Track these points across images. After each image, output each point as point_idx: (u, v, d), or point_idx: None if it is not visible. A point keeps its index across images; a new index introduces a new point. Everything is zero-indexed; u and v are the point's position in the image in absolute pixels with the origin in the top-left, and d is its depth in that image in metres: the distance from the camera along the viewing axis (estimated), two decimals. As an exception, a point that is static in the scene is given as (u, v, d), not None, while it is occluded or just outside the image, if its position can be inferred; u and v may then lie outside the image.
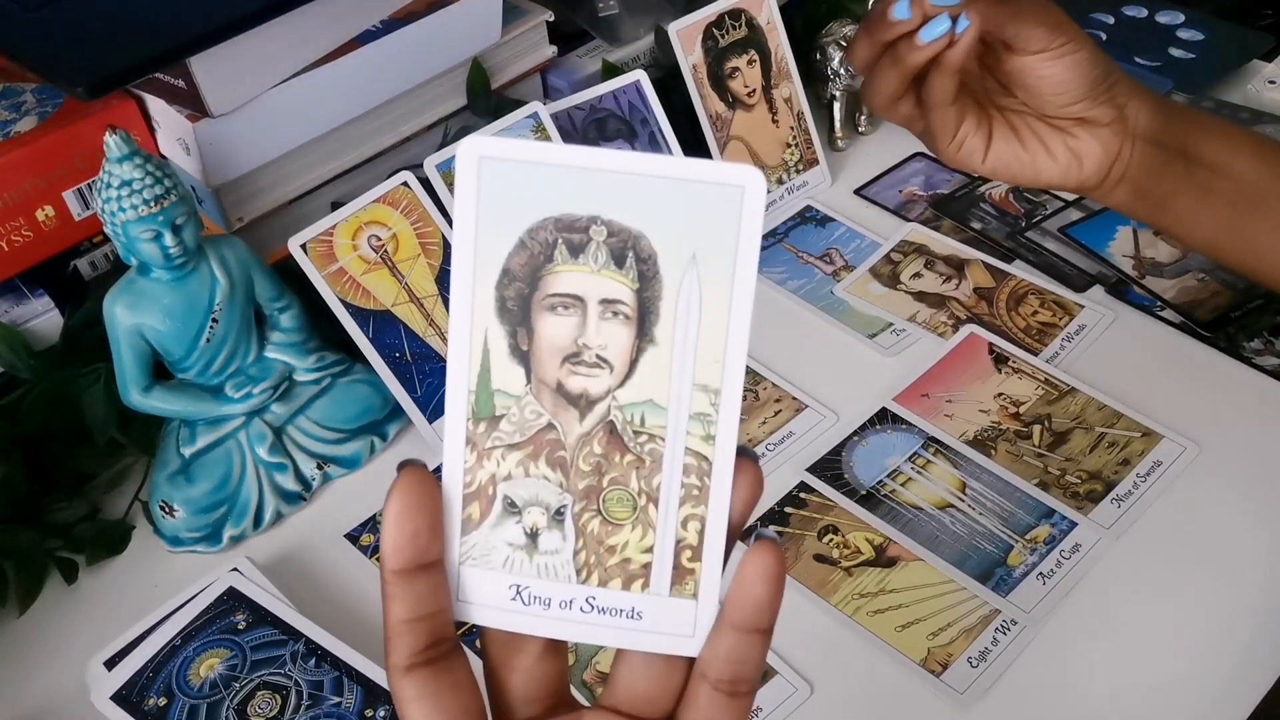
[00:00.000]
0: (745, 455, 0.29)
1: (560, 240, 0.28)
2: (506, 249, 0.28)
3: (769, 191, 0.85)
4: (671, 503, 0.29)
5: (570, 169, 0.27)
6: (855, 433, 0.69)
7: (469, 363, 0.29)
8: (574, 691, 0.33)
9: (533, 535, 0.29)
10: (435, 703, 0.29)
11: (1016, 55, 0.56)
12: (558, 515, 0.29)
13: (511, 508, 0.29)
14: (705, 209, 0.27)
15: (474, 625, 0.30)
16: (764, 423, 0.70)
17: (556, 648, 0.31)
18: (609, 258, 0.28)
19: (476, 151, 0.28)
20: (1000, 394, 0.71)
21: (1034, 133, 0.59)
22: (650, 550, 0.29)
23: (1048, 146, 0.59)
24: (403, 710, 0.29)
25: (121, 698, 0.55)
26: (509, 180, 0.28)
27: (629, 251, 0.28)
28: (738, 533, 0.29)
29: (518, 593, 0.29)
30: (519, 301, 0.28)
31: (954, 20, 0.53)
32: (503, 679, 0.31)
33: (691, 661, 0.30)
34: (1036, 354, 0.73)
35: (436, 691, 0.29)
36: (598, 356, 0.28)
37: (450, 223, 0.71)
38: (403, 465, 0.29)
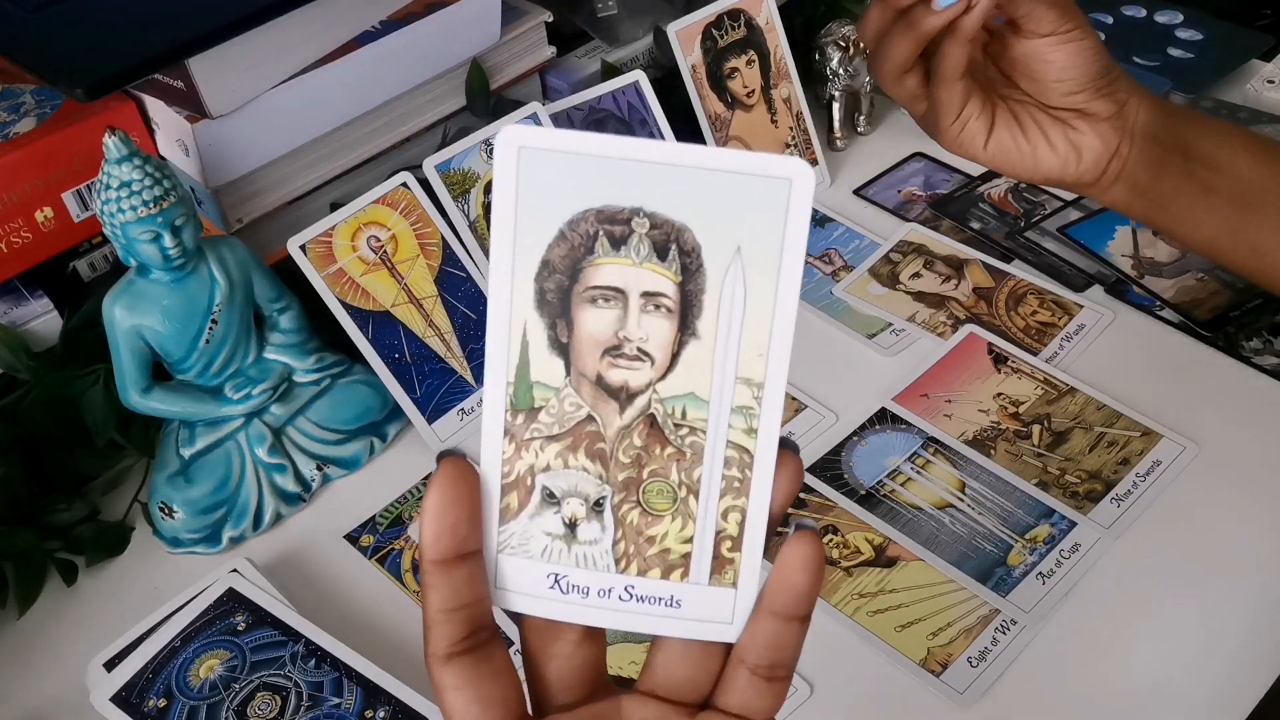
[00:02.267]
0: (786, 446, 0.29)
1: (601, 232, 0.27)
2: (546, 240, 0.27)
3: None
4: (712, 495, 0.29)
5: (612, 159, 0.27)
6: (855, 433, 0.69)
7: (507, 354, 0.28)
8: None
9: (571, 525, 0.29)
10: (475, 690, 0.29)
11: (1025, 38, 0.56)
12: (597, 506, 0.29)
13: (550, 498, 0.29)
14: (751, 201, 0.27)
15: (512, 614, 0.30)
16: (764, 423, 0.70)
17: (594, 635, 0.31)
18: (651, 250, 0.27)
19: (516, 141, 0.27)
20: (1000, 394, 0.71)
21: (1035, 122, 0.59)
22: (690, 541, 0.29)
23: (1048, 137, 0.59)
24: (442, 699, 0.29)
25: (121, 699, 0.55)
26: (549, 170, 0.27)
27: (672, 244, 0.27)
28: (777, 523, 0.30)
29: (556, 581, 0.29)
30: (558, 293, 0.28)
31: None
32: (541, 666, 0.31)
33: (728, 647, 0.30)
34: (1036, 354, 0.73)
35: (476, 679, 0.29)
36: (639, 349, 0.28)
37: (449, 224, 0.71)
38: (442, 456, 0.28)
